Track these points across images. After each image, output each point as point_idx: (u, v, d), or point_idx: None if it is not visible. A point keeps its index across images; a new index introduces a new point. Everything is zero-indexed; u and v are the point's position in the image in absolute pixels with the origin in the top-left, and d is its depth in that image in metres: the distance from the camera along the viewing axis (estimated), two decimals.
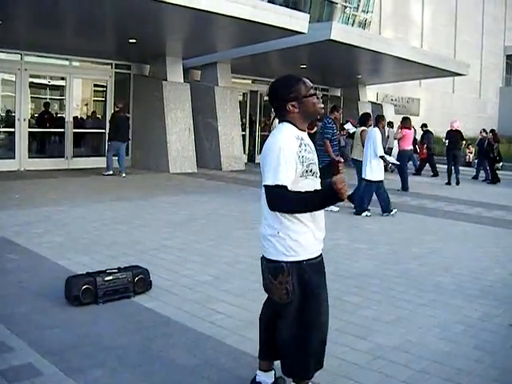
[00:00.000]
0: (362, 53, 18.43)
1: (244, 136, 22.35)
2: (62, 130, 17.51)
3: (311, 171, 3.50)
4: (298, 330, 3.56)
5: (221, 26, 14.02)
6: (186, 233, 9.10)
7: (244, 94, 23.58)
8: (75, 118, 17.94)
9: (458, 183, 18.16)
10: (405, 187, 15.52)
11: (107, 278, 5.63)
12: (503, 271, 7.57)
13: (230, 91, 20.20)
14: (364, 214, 11.37)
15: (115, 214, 10.49)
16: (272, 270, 3.53)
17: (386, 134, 22.31)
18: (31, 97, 17.37)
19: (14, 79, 16.48)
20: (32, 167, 16.55)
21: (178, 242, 8.42)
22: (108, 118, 18.04)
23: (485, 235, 10.21)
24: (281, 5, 19.18)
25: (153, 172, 17.48)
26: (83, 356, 4.36)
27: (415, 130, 20.28)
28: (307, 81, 3.58)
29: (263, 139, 23.72)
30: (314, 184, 3.53)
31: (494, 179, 19.65)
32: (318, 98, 3.60)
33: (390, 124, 22.16)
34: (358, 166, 12.24)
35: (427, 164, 21.03)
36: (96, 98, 19.28)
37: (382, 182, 11.43)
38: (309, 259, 3.54)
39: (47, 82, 18.12)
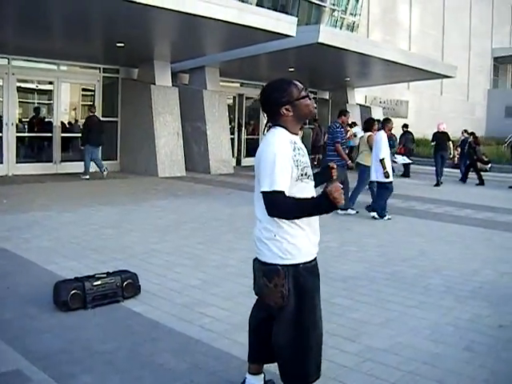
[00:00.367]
0: (351, 56, 18.46)
1: (233, 140, 22.33)
2: (50, 134, 17.43)
3: (306, 174, 3.49)
4: (294, 334, 3.53)
5: (208, 29, 14.01)
6: (174, 237, 9.07)
7: (234, 97, 23.56)
8: (63, 122, 17.84)
9: (438, 184, 18.56)
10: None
11: (96, 283, 5.60)
12: (493, 272, 7.59)
13: (219, 95, 20.18)
14: (386, 217, 11.38)
15: (104, 218, 10.44)
16: (267, 272, 3.49)
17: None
18: (19, 101, 17.28)
19: (1, 84, 16.38)
20: (20, 172, 16.47)
21: (166, 246, 8.40)
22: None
23: (474, 237, 10.23)
24: (269, 8, 19.20)
25: (141, 176, 17.43)
26: (72, 361, 4.33)
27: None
28: (298, 83, 3.57)
29: (249, 143, 23.85)
30: (309, 187, 3.54)
31: (480, 181, 19.77)
32: (310, 99, 3.60)
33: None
34: (361, 170, 12.30)
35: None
36: (84, 103, 19.19)
37: (391, 183, 11.42)
38: (304, 262, 3.52)
39: (35, 87, 18.04)
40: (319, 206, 3.37)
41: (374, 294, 6.37)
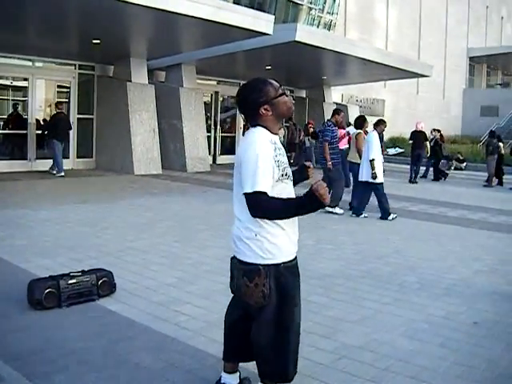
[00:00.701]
0: (327, 54, 18.52)
1: (209, 137, 22.30)
2: (25, 131, 17.25)
3: (286, 174, 3.50)
4: (275, 333, 3.53)
5: (184, 26, 13.98)
6: (150, 235, 9.03)
7: (211, 95, 23.53)
8: (38, 119, 17.65)
9: (414, 181, 19.17)
10: (347, 184, 16.13)
11: (71, 281, 5.56)
12: (467, 270, 7.65)
13: (195, 92, 20.14)
14: (390, 217, 11.37)
15: (79, 216, 10.38)
16: (248, 272, 3.48)
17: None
18: None
19: None
20: None
21: (142, 244, 8.36)
22: (72, 119, 17.95)
23: (449, 234, 10.31)
24: (246, 6, 19.18)
25: (117, 174, 17.34)
26: (47, 360, 4.30)
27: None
28: (274, 81, 3.57)
29: (225, 141, 23.84)
30: (289, 187, 3.55)
31: (436, 176, 20.46)
32: (287, 96, 3.61)
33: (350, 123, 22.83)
34: (354, 168, 12.35)
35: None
36: (59, 99, 19.01)
37: (381, 184, 11.46)
38: (285, 262, 3.53)
39: (9, 83, 17.85)
40: (305, 205, 3.36)
41: (350, 292, 6.40)
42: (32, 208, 10.85)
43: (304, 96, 27.50)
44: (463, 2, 47.05)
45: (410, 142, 20.44)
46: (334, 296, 6.20)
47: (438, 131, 21.28)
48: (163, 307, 5.61)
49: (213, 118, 23.45)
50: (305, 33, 16.74)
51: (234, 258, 3.65)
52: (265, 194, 3.31)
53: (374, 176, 11.14)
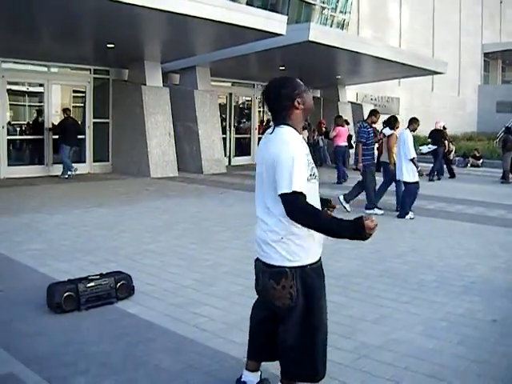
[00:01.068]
0: (341, 53, 18.46)
1: (225, 139, 22.32)
2: (42, 136, 17.34)
3: (314, 174, 3.54)
4: (303, 334, 3.55)
5: (197, 28, 13.99)
6: (168, 237, 9.06)
7: (226, 96, 23.55)
8: (54, 124, 17.72)
9: (432, 179, 19.00)
10: (340, 180, 16.89)
11: (89, 285, 5.59)
12: (484, 267, 7.62)
13: (210, 94, 20.16)
14: (408, 216, 11.33)
15: (96, 220, 10.42)
16: (274, 274, 3.49)
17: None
18: (9, 104, 17.21)
19: None
20: (12, 175, 16.37)
21: (160, 246, 8.39)
22: (88, 124, 18.07)
23: (466, 232, 10.26)
24: (258, 7, 19.16)
25: (134, 177, 17.39)
26: (66, 363, 4.32)
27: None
28: (297, 78, 3.64)
29: (239, 142, 23.84)
30: (315, 188, 3.57)
31: (451, 173, 20.46)
32: (310, 92, 3.68)
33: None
34: (385, 169, 12.35)
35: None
36: (75, 104, 19.12)
37: (417, 183, 11.45)
38: (311, 263, 3.55)
39: (26, 89, 17.96)
40: (347, 230, 3.33)
41: (368, 291, 6.39)
42: (49, 212, 10.92)
43: (318, 96, 27.44)
44: None
45: (429, 140, 20.37)
46: (353, 295, 6.20)
47: (444, 128, 21.19)
48: (181, 309, 5.62)
49: (227, 120, 23.47)
50: (318, 32, 16.69)
51: (258, 260, 3.65)
52: (302, 194, 3.32)
53: (421, 173, 11.27)
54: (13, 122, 17.40)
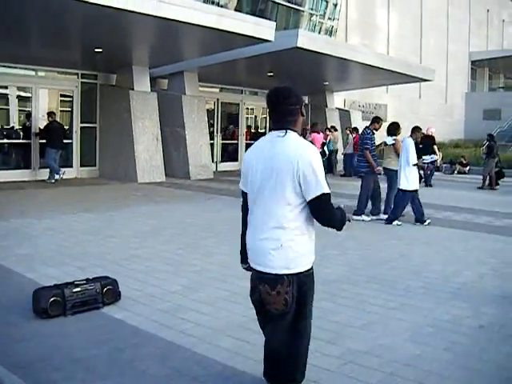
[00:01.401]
0: (329, 60, 18.54)
1: (212, 144, 22.31)
2: (29, 141, 17.25)
3: None
4: (290, 338, 3.63)
5: (186, 34, 14.00)
6: (155, 242, 9.03)
7: (214, 102, 23.56)
8: (41, 128, 17.63)
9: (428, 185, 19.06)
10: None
11: (75, 290, 5.56)
12: (472, 273, 7.64)
13: (198, 100, 20.17)
14: (395, 223, 11.34)
15: (83, 225, 10.38)
16: (270, 281, 3.54)
17: (347, 141, 23.03)
18: None
19: None
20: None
21: (147, 251, 8.36)
22: (75, 128, 18.01)
23: (453, 238, 10.29)
24: (247, 13, 19.22)
25: (121, 182, 17.34)
26: (52, 369, 4.30)
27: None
28: None
29: (224, 148, 23.84)
30: None
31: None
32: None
33: (350, 130, 23.20)
34: (389, 175, 12.29)
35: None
36: (62, 109, 19.05)
37: (416, 191, 11.47)
38: (307, 270, 3.63)
39: (13, 93, 17.85)
40: (343, 216, 3.75)
41: (356, 297, 6.39)
42: (36, 217, 10.86)
43: (306, 102, 27.51)
44: (464, 6, 47.05)
45: (420, 146, 20.44)
46: (340, 301, 6.20)
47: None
48: (168, 315, 5.60)
49: (215, 125, 23.47)
50: (306, 39, 16.77)
51: (252, 269, 3.70)
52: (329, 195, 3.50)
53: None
54: None
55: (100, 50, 15.03)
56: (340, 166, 23.91)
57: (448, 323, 5.55)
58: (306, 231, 3.61)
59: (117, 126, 18.07)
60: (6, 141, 17.39)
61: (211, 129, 22.62)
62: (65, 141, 17.46)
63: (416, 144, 11.69)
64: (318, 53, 17.08)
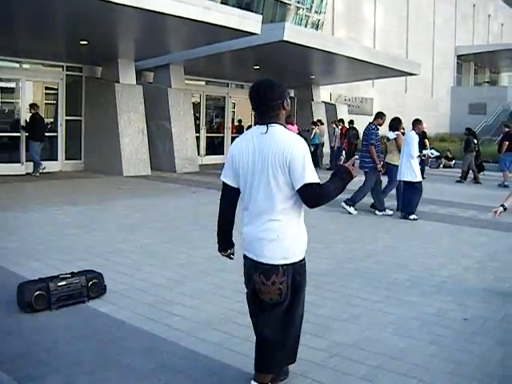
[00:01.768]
0: (315, 53, 18.52)
1: (198, 138, 22.25)
2: (18, 134, 17.06)
3: None
4: (281, 327, 3.68)
5: (171, 27, 13.94)
6: (140, 236, 9.01)
7: (200, 95, 23.50)
8: (27, 121, 17.48)
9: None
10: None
11: (60, 284, 5.53)
12: (457, 267, 7.68)
13: (183, 93, 20.11)
14: (412, 217, 11.39)
15: (69, 218, 10.34)
16: (265, 271, 3.57)
17: (335, 134, 23.08)
18: None
19: None
20: None
21: (132, 245, 8.34)
22: (60, 121, 17.91)
23: (438, 232, 10.34)
24: (233, 6, 19.14)
25: (106, 175, 17.27)
26: (37, 363, 4.28)
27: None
28: None
29: (210, 141, 23.80)
30: None
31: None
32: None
33: (336, 123, 23.37)
34: (390, 170, 12.36)
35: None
36: (47, 101, 18.94)
37: (420, 183, 11.55)
38: (301, 260, 3.67)
39: None
40: (340, 179, 3.64)
41: (341, 290, 6.41)
42: (21, 210, 10.80)
43: (292, 95, 27.48)
44: (450, 1, 47.18)
45: None
46: (325, 295, 6.21)
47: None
48: (154, 308, 5.59)
49: (201, 118, 23.41)
50: (293, 32, 16.74)
51: (248, 259, 3.71)
52: (319, 184, 3.50)
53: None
54: None
55: (85, 43, 14.93)
56: (326, 160, 23.93)
57: (433, 316, 5.58)
58: (301, 221, 3.66)
59: (102, 119, 17.99)
60: None
61: (197, 122, 22.58)
62: (47, 134, 17.32)
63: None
64: (305, 46, 17.06)
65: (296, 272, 3.62)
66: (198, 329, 5.04)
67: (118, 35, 15.89)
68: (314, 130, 23.21)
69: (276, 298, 3.57)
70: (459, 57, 50.44)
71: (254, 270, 3.64)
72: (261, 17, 14.67)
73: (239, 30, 13.69)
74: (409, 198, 11.59)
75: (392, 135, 12.30)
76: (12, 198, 12.59)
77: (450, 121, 47.34)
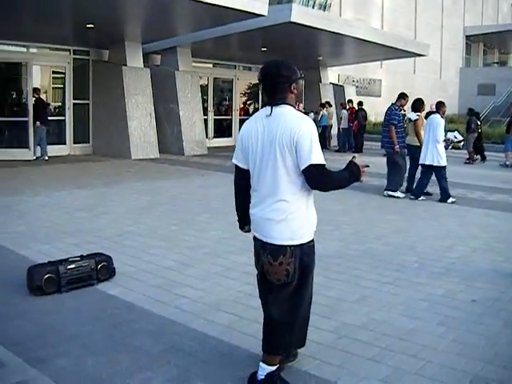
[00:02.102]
0: (323, 35, 18.43)
1: (206, 120, 22.22)
2: (26, 119, 16.98)
3: None
4: (289, 309, 3.68)
5: (178, 8, 13.89)
6: (149, 219, 9.03)
7: (207, 78, 23.42)
8: (35, 105, 17.47)
9: None
10: None
11: (70, 267, 5.56)
12: (466, 248, 7.66)
13: (191, 76, 20.07)
14: (450, 200, 11.34)
15: (77, 201, 10.37)
16: (273, 251, 3.57)
17: (340, 116, 23.03)
18: None
19: None
20: None
21: (141, 227, 8.37)
22: (68, 105, 17.93)
23: (447, 214, 10.31)
24: None
25: (114, 158, 17.31)
26: (47, 345, 4.30)
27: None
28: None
29: (218, 123, 23.78)
30: None
31: None
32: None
33: (343, 105, 23.37)
34: (413, 151, 12.30)
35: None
36: (55, 85, 18.95)
37: (445, 167, 11.50)
38: (309, 241, 3.65)
39: (5, 69, 17.67)
40: (350, 174, 3.60)
41: (349, 272, 6.41)
42: (30, 194, 10.85)
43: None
44: None
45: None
46: (334, 276, 6.21)
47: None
48: (163, 290, 5.61)
49: (208, 101, 23.36)
50: (300, 13, 16.65)
51: (257, 240, 3.71)
52: (325, 166, 3.47)
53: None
54: None
55: (92, 26, 14.90)
56: (334, 141, 23.88)
57: (441, 298, 5.58)
58: (310, 203, 3.65)
59: (110, 102, 18.00)
60: (2, 119, 17.17)
61: (205, 104, 22.53)
62: (55, 118, 17.33)
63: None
64: (312, 27, 16.98)
65: (304, 253, 3.61)
66: (207, 311, 5.05)
67: (125, 18, 15.82)
68: (322, 112, 23.13)
69: (283, 278, 3.57)
70: (468, 37, 50.04)
71: (263, 251, 3.64)
72: None
73: (246, 12, 13.60)
74: (441, 183, 11.56)
75: (414, 116, 12.24)
76: (20, 182, 12.64)
77: (459, 102, 47.02)
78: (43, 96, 17.91)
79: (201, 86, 21.69)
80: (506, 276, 6.43)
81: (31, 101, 16.93)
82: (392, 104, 12.14)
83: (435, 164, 11.33)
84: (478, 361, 4.18)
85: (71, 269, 5.55)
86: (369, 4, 36.09)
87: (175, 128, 19.44)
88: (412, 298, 5.56)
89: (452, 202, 11.25)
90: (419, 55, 25.55)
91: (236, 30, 16.60)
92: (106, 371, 3.92)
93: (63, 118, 18.11)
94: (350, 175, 3.60)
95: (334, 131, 24.23)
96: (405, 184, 12.26)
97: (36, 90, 16.82)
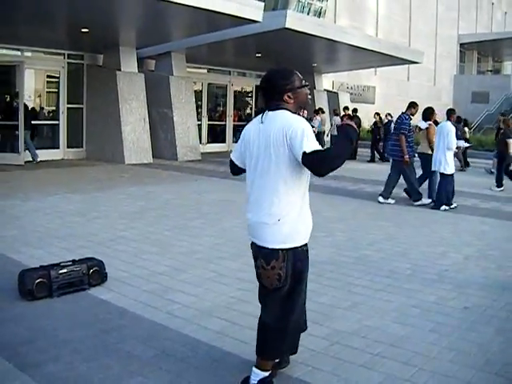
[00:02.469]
0: (317, 41, 18.46)
1: (200, 126, 22.22)
2: (16, 122, 16.90)
3: None
4: (281, 314, 3.68)
5: (173, 14, 13.87)
6: (141, 224, 9.01)
7: (202, 83, 23.43)
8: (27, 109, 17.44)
9: None
10: None
11: (61, 271, 5.53)
12: (458, 255, 7.67)
13: (185, 81, 20.07)
14: (442, 208, 11.30)
15: (70, 206, 10.34)
16: (265, 255, 3.58)
17: (331, 122, 23.20)
18: None
19: None
20: None
21: (133, 233, 8.35)
22: (61, 109, 17.89)
23: (440, 221, 10.33)
24: None
25: (108, 163, 17.27)
26: (38, 350, 4.28)
27: None
28: (298, 73, 3.71)
29: (211, 129, 23.81)
30: None
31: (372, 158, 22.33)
32: (308, 89, 3.77)
33: (336, 112, 23.68)
34: (425, 160, 12.28)
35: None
36: (49, 90, 18.91)
37: (452, 175, 11.47)
38: (303, 245, 3.66)
39: None
40: (346, 140, 3.52)
41: (342, 278, 6.41)
42: (22, 198, 10.80)
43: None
44: None
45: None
46: (326, 282, 6.21)
47: (377, 114, 23.17)
48: (155, 296, 5.60)
49: (202, 107, 23.36)
50: (295, 20, 16.67)
51: (253, 243, 3.73)
52: (320, 150, 3.43)
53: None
54: None
55: (86, 31, 14.89)
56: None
57: (433, 304, 5.58)
58: (304, 206, 3.65)
59: (104, 106, 17.96)
60: None
61: (199, 110, 22.53)
62: (54, 122, 17.27)
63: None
64: (307, 34, 17.01)
65: (297, 258, 3.61)
66: (199, 316, 5.04)
67: (119, 23, 15.83)
68: (316, 119, 23.16)
69: (275, 283, 3.57)
70: (462, 45, 50.21)
71: (257, 254, 3.67)
72: (262, 4, 14.59)
73: (241, 18, 13.63)
74: (439, 189, 11.54)
75: (424, 125, 12.27)
76: (12, 186, 12.58)
77: None
78: (37, 100, 17.88)
79: (195, 91, 21.67)
80: (498, 283, 6.44)
81: (22, 105, 16.83)
82: (402, 113, 12.16)
83: (441, 171, 11.34)
84: (469, 368, 4.18)
85: (63, 273, 5.53)
86: (363, 11, 36.18)
87: (169, 133, 19.43)
88: (404, 304, 5.56)
89: (445, 210, 11.24)
90: (413, 62, 25.62)
91: (231, 36, 16.60)
92: (98, 376, 3.91)
93: (57, 122, 18.04)
94: (346, 135, 3.53)
95: (327, 138, 24.26)
96: (420, 191, 12.17)
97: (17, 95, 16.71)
